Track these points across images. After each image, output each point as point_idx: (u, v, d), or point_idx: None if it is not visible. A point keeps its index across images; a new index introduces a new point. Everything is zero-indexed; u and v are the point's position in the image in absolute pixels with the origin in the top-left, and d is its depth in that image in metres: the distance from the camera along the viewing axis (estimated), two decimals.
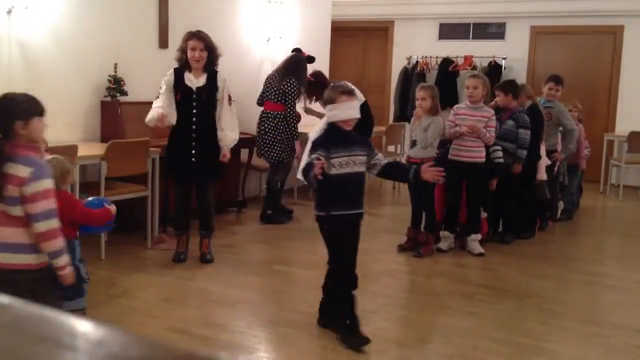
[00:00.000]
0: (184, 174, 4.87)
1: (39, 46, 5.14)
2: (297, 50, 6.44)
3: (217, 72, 4.80)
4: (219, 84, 4.78)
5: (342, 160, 3.48)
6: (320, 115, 5.55)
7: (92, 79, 5.58)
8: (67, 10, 5.33)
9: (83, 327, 0.45)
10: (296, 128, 6.22)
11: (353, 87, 3.78)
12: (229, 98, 4.84)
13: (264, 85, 6.32)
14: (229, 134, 4.83)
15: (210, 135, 4.78)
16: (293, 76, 6.13)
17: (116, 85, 5.56)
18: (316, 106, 6.41)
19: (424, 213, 5.39)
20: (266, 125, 6.15)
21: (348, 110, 3.50)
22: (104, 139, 5.51)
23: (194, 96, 4.72)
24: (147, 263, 4.95)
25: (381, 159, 3.65)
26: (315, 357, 3.49)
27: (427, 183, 5.27)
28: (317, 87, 6.51)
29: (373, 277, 4.78)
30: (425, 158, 5.22)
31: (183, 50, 4.73)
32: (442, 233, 5.47)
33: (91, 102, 5.61)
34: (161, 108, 4.67)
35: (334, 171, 3.44)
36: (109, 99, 5.60)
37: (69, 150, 4.30)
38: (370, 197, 7.70)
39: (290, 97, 6.09)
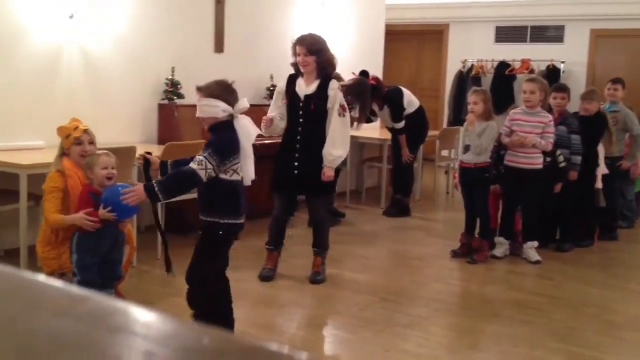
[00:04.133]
0: (283, 185, 4.55)
1: (99, 50, 5.28)
2: (363, 73, 6.41)
3: (331, 79, 4.44)
4: (330, 92, 4.37)
5: None
6: None
7: (150, 82, 5.70)
8: (127, 15, 5.47)
9: (156, 319, 0.46)
10: None
11: (211, 83, 3.35)
12: (342, 109, 4.41)
13: None
14: (330, 150, 4.37)
15: (317, 147, 4.38)
16: (355, 98, 6.08)
17: (173, 88, 5.68)
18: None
19: (478, 219, 5.31)
20: None
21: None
22: (160, 141, 5.62)
23: (301, 104, 4.40)
24: None
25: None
26: None
27: (481, 188, 5.24)
28: (374, 92, 6.52)
29: (425, 282, 4.74)
30: (478, 163, 5.15)
31: (294, 56, 4.43)
32: (497, 239, 5.38)
33: (149, 104, 5.74)
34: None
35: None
36: (166, 101, 5.72)
37: (128, 151, 4.40)
38: (423, 202, 7.65)
39: None
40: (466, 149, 5.23)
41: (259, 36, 6.67)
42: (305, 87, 4.40)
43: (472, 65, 9.89)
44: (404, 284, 4.66)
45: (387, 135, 7.03)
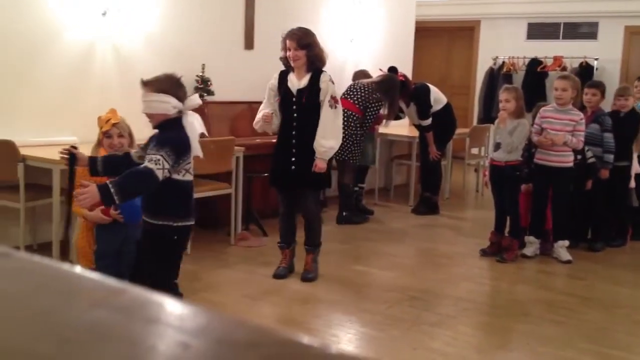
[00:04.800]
0: (283, 182, 4.51)
1: (132, 47, 5.34)
2: (392, 70, 6.39)
3: (322, 72, 4.38)
4: (322, 84, 4.32)
5: (143, 159, 3.04)
6: None
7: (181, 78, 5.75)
8: (159, 13, 5.52)
9: (190, 311, 0.47)
10: (367, 133, 6.22)
11: (159, 76, 3.16)
12: (334, 100, 4.36)
13: (348, 87, 6.30)
14: (321, 141, 4.32)
15: (313, 141, 4.33)
16: (384, 95, 6.07)
17: (203, 85, 5.72)
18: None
19: (508, 217, 5.26)
20: None
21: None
22: None
23: (294, 99, 4.35)
24: (230, 259, 5.06)
25: (145, 160, 2.97)
26: (394, 358, 3.47)
27: (511, 186, 5.19)
28: (401, 89, 6.50)
29: (454, 281, 4.71)
30: (509, 161, 5.10)
31: (284, 51, 4.38)
32: (527, 238, 5.32)
33: None
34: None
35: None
36: None
37: None
38: (452, 200, 7.60)
39: (372, 108, 6.08)
40: (497, 146, 5.18)
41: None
42: (297, 82, 4.35)
43: (504, 62, 9.79)
44: (433, 282, 4.64)
45: (416, 133, 7.01)
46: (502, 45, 9.94)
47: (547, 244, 5.36)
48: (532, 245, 5.30)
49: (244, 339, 0.42)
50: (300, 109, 4.34)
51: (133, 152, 3.20)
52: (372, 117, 6.13)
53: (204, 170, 5.06)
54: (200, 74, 5.73)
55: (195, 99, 3.14)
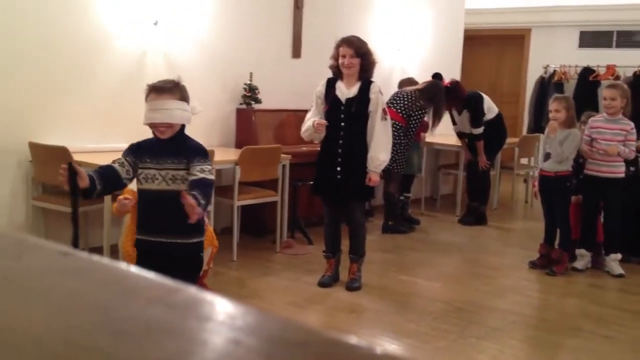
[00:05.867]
0: (328, 192, 4.48)
1: (182, 55, 5.44)
2: (437, 76, 6.36)
3: (372, 82, 4.33)
4: (372, 95, 4.26)
5: (149, 174, 2.87)
6: None
7: (229, 87, 5.83)
8: (209, 22, 5.62)
9: (241, 310, 0.48)
10: (412, 142, 6.18)
11: (167, 84, 2.95)
12: (384, 112, 4.33)
13: (392, 96, 6.29)
14: (376, 154, 4.27)
15: (359, 152, 4.30)
16: (429, 102, 6.04)
17: (251, 93, 5.79)
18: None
19: (558, 229, 5.16)
20: None
21: (149, 113, 2.84)
22: (238, 145, 5.74)
23: (342, 108, 4.29)
24: (276, 267, 5.09)
25: (194, 172, 2.80)
26: None
27: (561, 198, 5.09)
28: (453, 96, 6.46)
29: (501, 293, 4.63)
30: (559, 172, 5.01)
31: (335, 58, 4.32)
32: (578, 251, 5.21)
33: (228, 109, 5.87)
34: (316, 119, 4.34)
35: (139, 185, 2.91)
36: (244, 106, 5.84)
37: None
38: (500, 211, 7.49)
39: (416, 116, 6.04)
40: (547, 156, 5.09)
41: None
42: (346, 90, 4.30)
43: (555, 71, 9.62)
44: (479, 294, 4.57)
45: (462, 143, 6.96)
46: (553, 53, 9.77)
47: (598, 257, 5.23)
48: (583, 258, 5.19)
49: (294, 338, 0.43)
50: (348, 118, 4.30)
51: (117, 166, 2.90)
52: (415, 125, 6.09)
53: (251, 177, 5.11)
54: (248, 82, 5.80)
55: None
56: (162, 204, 2.85)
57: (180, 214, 2.61)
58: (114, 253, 4.12)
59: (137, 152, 2.90)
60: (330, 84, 4.37)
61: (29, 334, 0.45)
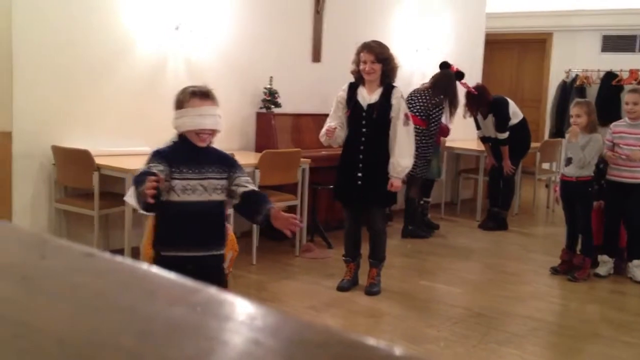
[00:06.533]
0: (349, 197, 4.47)
1: (203, 60, 5.48)
2: (444, 65, 6.34)
3: (394, 87, 4.32)
4: (393, 100, 4.25)
5: (188, 184, 2.66)
6: None
7: (250, 91, 5.86)
8: (229, 27, 5.65)
9: (262, 311, 0.48)
10: (433, 145, 6.16)
11: (209, 90, 2.84)
12: (406, 117, 4.31)
13: (408, 99, 6.26)
14: (398, 160, 4.24)
15: (381, 157, 4.28)
16: (444, 94, 6.03)
17: (271, 97, 5.81)
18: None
19: (580, 235, 5.11)
20: None
21: (198, 119, 2.67)
22: (258, 149, 5.76)
23: (364, 114, 4.27)
24: (295, 270, 5.10)
25: (243, 183, 2.71)
26: None
27: (583, 203, 5.04)
28: (479, 100, 6.44)
29: (522, 299, 4.60)
30: (581, 177, 4.96)
31: (356, 64, 4.30)
32: (601, 257, 5.15)
33: (248, 113, 5.90)
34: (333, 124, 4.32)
35: (174, 197, 2.65)
36: (264, 110, 5.86)
37: None
38: (521, 216, 7.44)
39: (435, 116, 6.01)
40: (568, 161, 5.05)
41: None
42: (367, 96, 4.28)
43: (577, 75, 9.54)
44: (500, 299, 4.54)
45: (483, 147, 6.91)
46: (575, 57, 9.69)
47: (621, 263, 5.17)
48: (605, 264, 5.13)
49: (314, 338, 0.43)
50: (369, 123, 4.27)
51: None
52: (435, 126, 6.06)
53: (270, 181, 5.13)
54: (268, 86, 5.82)
55: None
56: (201, 217, 2.68)
57: (218, 225, 2.57)
58: (135, 256, 4.15)
59: (171, 160, 2.65)
60: (353, 89, 4.35)
61: (53, 333, 0.46)
